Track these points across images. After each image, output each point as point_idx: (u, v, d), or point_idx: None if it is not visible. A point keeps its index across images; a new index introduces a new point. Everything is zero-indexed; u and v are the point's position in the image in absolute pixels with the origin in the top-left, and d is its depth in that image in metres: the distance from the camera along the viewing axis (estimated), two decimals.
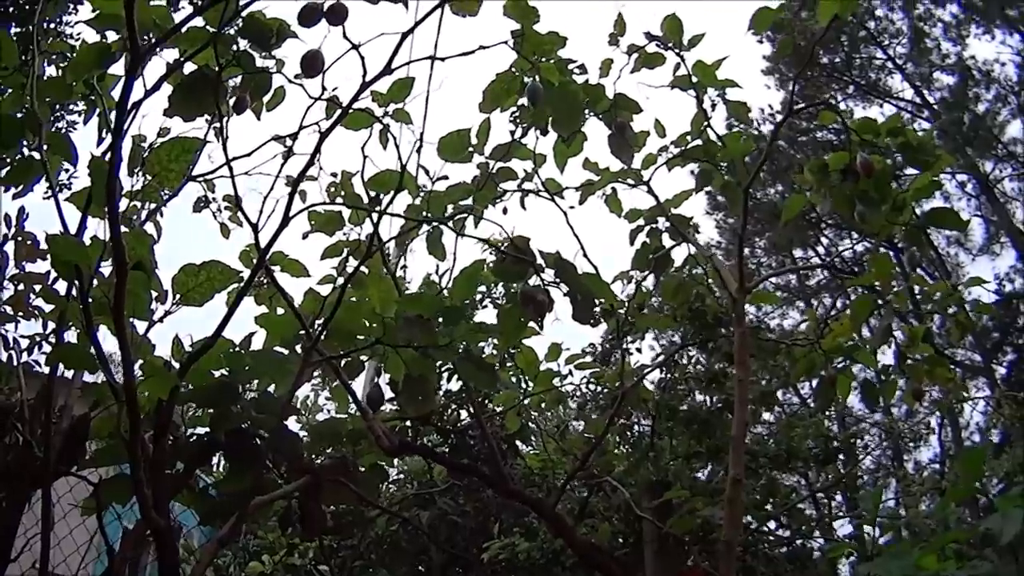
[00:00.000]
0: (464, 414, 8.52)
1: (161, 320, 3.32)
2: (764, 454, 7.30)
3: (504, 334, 3.56)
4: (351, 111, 3.53)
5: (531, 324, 3.60)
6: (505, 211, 4.81)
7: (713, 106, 4.76)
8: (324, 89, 3.59)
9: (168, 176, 3.52)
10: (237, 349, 3.97)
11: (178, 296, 3.29)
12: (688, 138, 4.86)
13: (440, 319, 3.44)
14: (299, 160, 4.03)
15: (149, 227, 4.12)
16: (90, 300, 2.98)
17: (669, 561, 4.09)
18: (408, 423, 4.68)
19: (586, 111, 4.16)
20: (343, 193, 4.81)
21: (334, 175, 4.94)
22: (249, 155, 4.21)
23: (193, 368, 3.75)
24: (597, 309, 3.61)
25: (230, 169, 3.68)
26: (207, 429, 3.88)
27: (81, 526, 4.59)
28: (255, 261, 3.24)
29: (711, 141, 4.75)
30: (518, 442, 5.89)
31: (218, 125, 3.84)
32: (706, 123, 4.77)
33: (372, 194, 3.87)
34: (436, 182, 3.80)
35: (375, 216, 3.79)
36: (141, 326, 3.27)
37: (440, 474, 7.18)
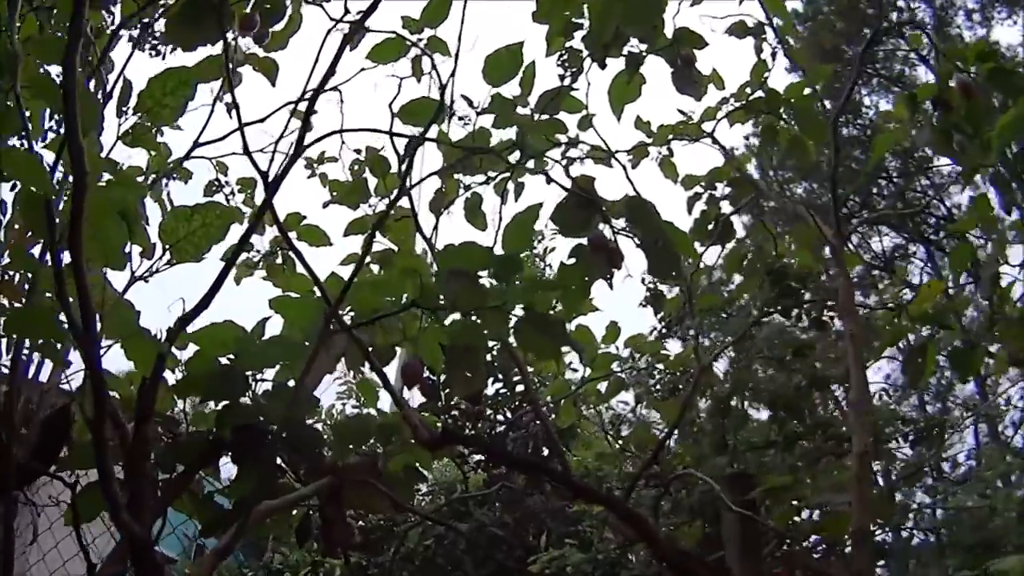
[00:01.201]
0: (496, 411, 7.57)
1: (146, 279, 2.47)
2: (846, 437, 6.23)
3: (568, 295, 2.68)
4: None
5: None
6: (549, 180, 3.97)
7: (773, 54, 3.95)
8: (347, 11, 2.79)
9: (162, 113, 2.68)
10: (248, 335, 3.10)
11: (167, 249, 2.43)
12: (748, 90, 4.02)
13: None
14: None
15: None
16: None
17: (755, 564, 3.19)
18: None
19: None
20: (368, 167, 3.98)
21: (357, 151, 4.12)
22: (263, 120, 3.39)
23: (195, 355, 2.93)
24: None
25: (238, 117, 2.86)
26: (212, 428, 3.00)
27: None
28: (260, 204, 2.38)
29: (774, 92, 3.92)
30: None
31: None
32: (767, 73, 3.94)
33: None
34: (480, 115, 2.93)
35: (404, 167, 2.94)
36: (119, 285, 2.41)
37: (476, 484, 6.27)
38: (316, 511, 3.22)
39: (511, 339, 2.67)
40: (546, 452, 6.26)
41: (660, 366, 4.39)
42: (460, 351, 2.60)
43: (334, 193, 3.79)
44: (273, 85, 4.04)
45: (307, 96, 2.55)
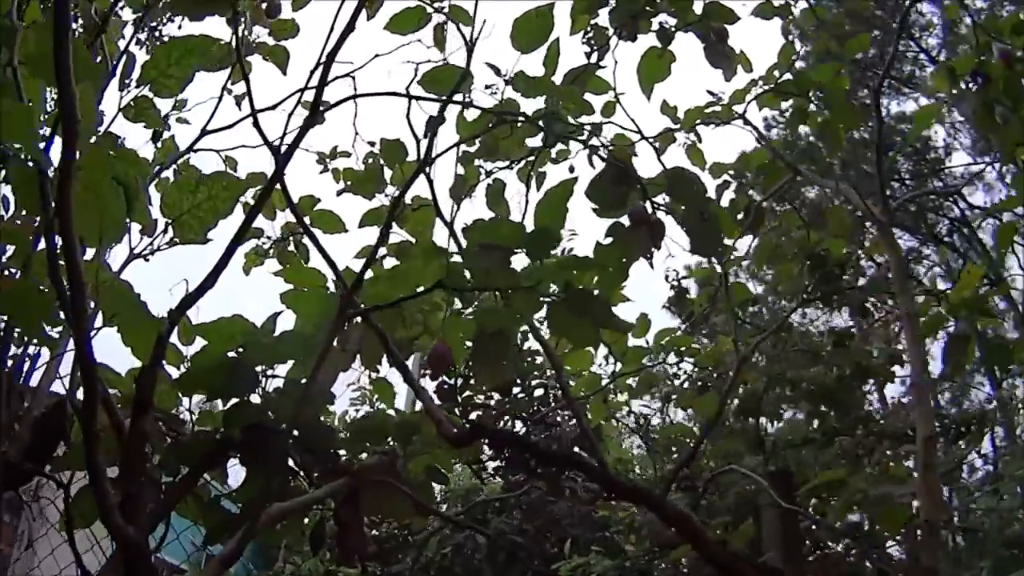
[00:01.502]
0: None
1: (145, 257, 2.21)
2: (887, 433, 5.86)
3: (605, 277, 2.41)
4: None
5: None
6: (572, 169, 3.72)
7: (801, 34, 3.70)
8: None
9: (167, 84, 2.43)
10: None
11: (169, 225, 2.17)
12: (776, 73, 3.76)
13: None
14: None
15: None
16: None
17: (798, 564, 2.91)
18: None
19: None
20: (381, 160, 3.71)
21: (372, 143, 3.86)
22: (275, 107, 3.14)
23: (201, 350, 2.68)
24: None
25: (248, 91, 2.61)
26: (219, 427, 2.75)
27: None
28: (270, 176, 2.12)
29: (804, 75, 3.66)
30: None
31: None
32: (796, 55, 3.69)
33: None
34: (508, 84, 2.68)
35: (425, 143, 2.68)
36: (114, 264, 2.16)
37: (492, 492, 5.95)
38: (330, 516, 2.95)
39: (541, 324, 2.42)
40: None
41: (689, 362, 4.13)
42: (488, 337, 2.33)
43: (348, 182, 3.53)
44: (284, 73, 3.82)
45: (322, 63, 2.29)
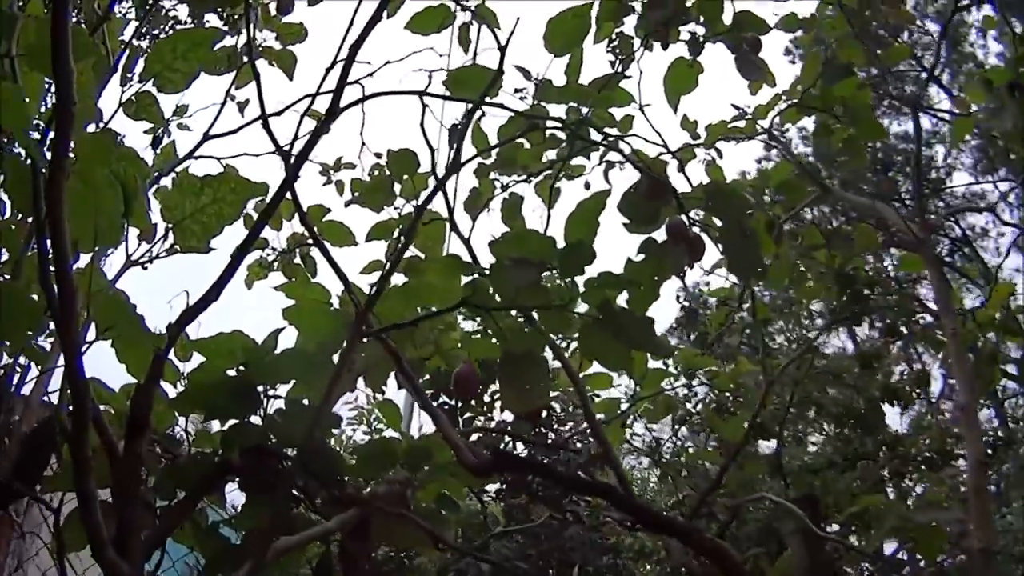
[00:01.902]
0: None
1: (144, 265, 1.99)
2: (917, 456, 5.62)
3: (636, 295, 2.21)
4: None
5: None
6: (587, 185, 3.54)
7: (827, 49, 3.55)
8: None
9: (172, 79, 2.23)
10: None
11: (169, 230, 1.95)
12: (799, 88, 3.60)
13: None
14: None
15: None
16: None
17: None
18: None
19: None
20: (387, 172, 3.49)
21: (378, 155, 3.65)
22: (284, 111, 2.92)
23: (199, 367, 2.47)
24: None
25: (258, 86, 2.40)
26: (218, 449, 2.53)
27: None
28: (280, 184, 1.90)
29: (828, 90, 3.50)
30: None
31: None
32: (820, 71, 3.53)
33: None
34: (538, 86, 2.48)
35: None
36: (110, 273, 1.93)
37: (495, 513, 5.66)
38: (336, 544, 2.71)
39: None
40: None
41: (706, 384, 3.92)
42: (518, 359, 2.11)
43: (355, 193, 3.32)
44: (290, 79, 3.62)
45: (342, 60, 2.09)
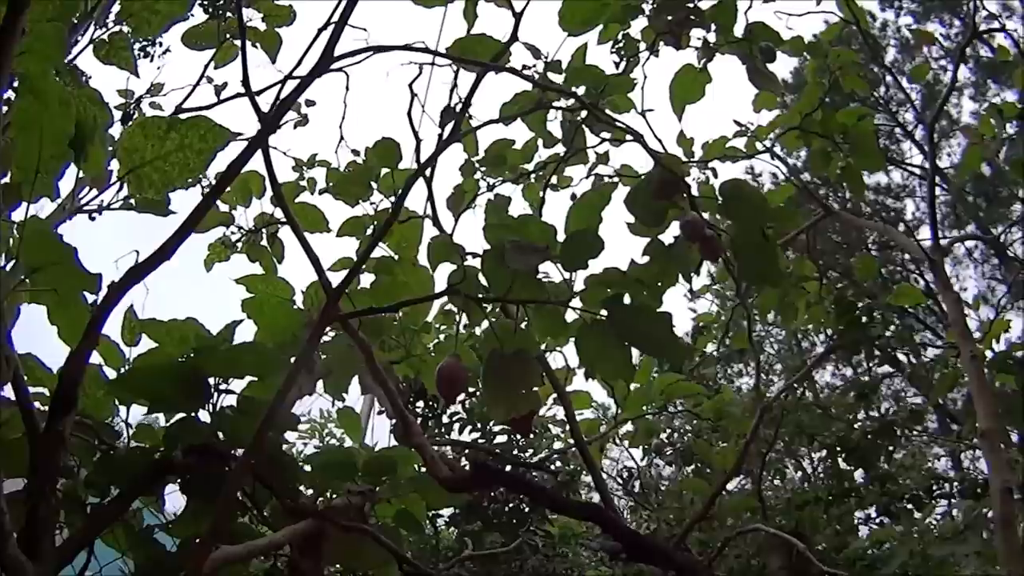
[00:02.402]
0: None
1: (91, 215, 1.70)
2: (904, 495, 5.37)
3: (639, 297, 1.97)
4: None
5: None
6: (574, 197, 3.31)
7: (832, 77, 3.43)
8: None
9: (150, 20, 1.96)
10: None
11: (126, 176, 1.67)
12: (799, 114, 3.46)
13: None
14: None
15: None
16: None
17: None
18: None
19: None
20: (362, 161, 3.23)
21: (355, 152, 3.40)
22: (262, 92, 2.66)
23: (147, 353, 2.19)
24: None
25: (243, 51, 2.16)
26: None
27: None
28: (252, 139, 1.63)
29: (830, 116, 3.37)
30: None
31: None
32: (823, 96, 3.40)
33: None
34: (548, 65, 2.26)
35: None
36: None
37: (448, 542, 5.31)
38: (282, 562, 2.40)
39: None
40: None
41: (689, 411, 3.70)
42: (506, 360, 1.85)
43: (330, 183, 3.05)
44: (273, 61, 3.36)
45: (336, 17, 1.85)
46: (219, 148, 1.76)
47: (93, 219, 1.84)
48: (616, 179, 2.38)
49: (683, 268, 2.10)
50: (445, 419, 6.76)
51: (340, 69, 2.86)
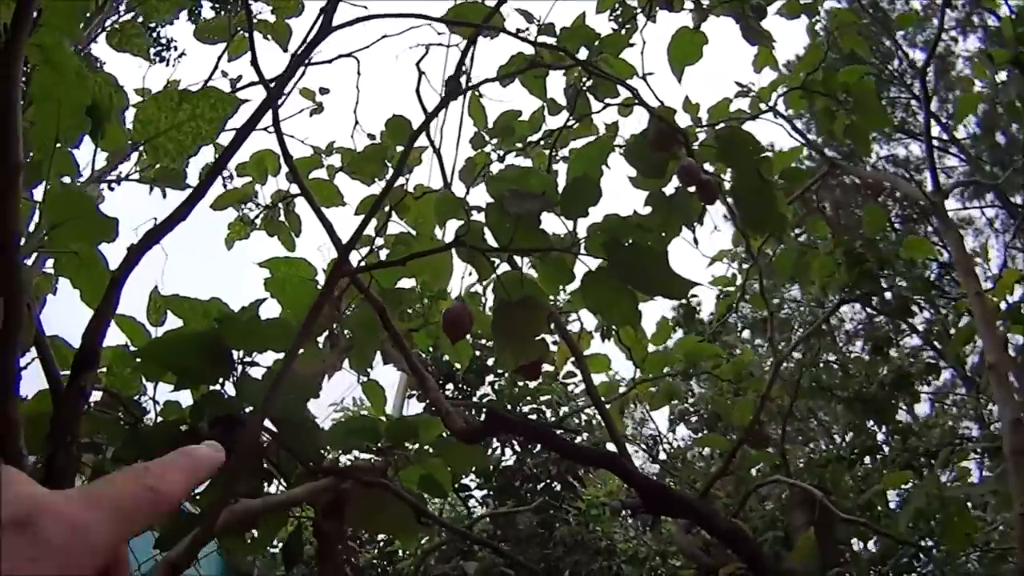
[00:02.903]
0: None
1: (111, 185, 1.77)
2: (927, 451, 5.26)
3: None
4: None
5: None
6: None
7: (829, 34, 3.40)
8: None
9: (158, 7, 2.02)
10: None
11: (140, 146, 1.73)
12: (802, 74, 3.44)
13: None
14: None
15: None
16: None
17: None
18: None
19: None
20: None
21: (371, 136, 3.44)
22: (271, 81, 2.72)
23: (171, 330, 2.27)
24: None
25: (249, 26, 2.22)
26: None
27: None
28: (260, 104, 1.68)
29: (832, 74, 3.34)
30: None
31: None
32: (824, 54, 3.37)
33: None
34: (541, 29, 2.28)
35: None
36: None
37: (484, 524, 5.33)
38: (308, 525, 2.44)
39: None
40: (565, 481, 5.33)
41: (710, 374, 3.67)
42: (513, 307, 1.88)
43: (346, 163, 3.09)
44: (285, 51, 3.42)
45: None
46: (229, 116, 1.81)
47: (112, 189, 1.91)
48: (615, 133, 2.37)
49: (685, 217, 2.11)
50: (475, 400, 6.80)
51: (351, 55, 2.94)
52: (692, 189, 2.02)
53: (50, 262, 2.21)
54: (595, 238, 1.88)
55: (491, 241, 1.92)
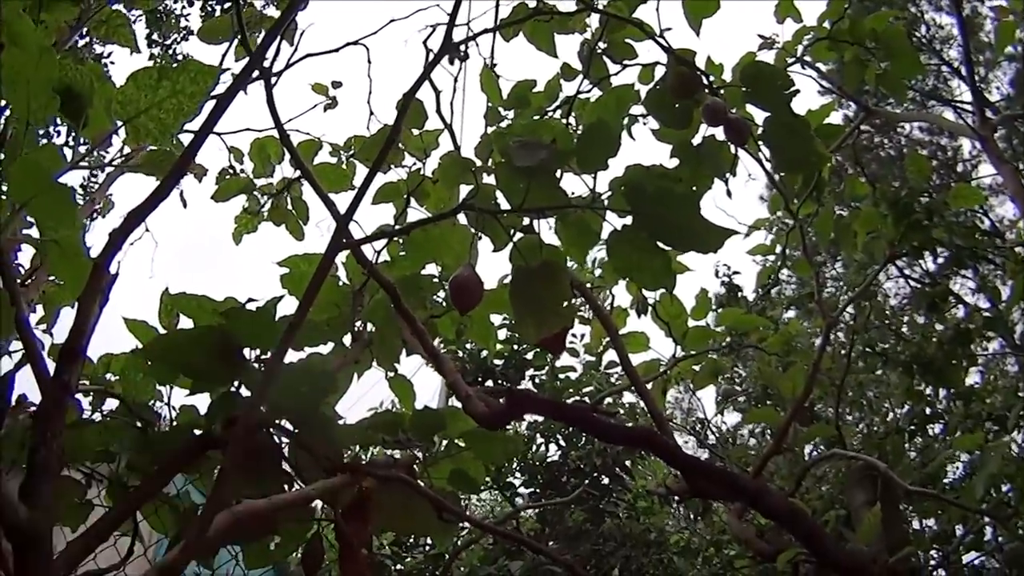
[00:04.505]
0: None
1: (92, 171, 1.62)
2: (992, 414, 4.89)
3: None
4: None
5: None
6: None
7: None
8: None
9: None
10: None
11: (122, 127, 1.59)
12: (826, 25, 3.21)
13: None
14: None
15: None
16: None
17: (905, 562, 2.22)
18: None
19: None
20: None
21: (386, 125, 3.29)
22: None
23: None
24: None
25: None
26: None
27: None
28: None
29: (858, 22, 3.10)
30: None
31: None
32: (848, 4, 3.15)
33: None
34: None
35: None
36: None
37: (529, 520, 5.13)
38: (328, 528, 2.27)
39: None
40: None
41: (751, 348, 3.45)
42: (532, 274, 1.70)
43: (355, 150, 2.95)
44: (291, 45, 3.28)
45: None
46: (211, 88, 1.67)
47: (95, 175, 1.78)
48: (633, 83, 2.18)
49: (716, 168, 1.91)
50: None
51: (358, 42, 2.80)
52: (721, 134, 1.83)
53: None
54: (618, 192, 1.69)
55: (504, 205, 1.75)
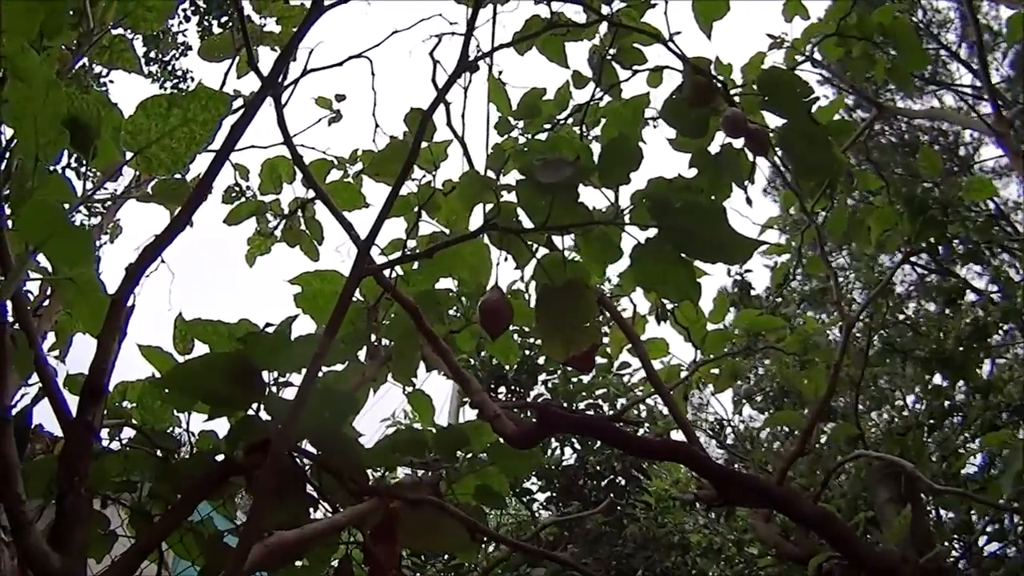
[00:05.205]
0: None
1: (103, 204, 1.60)
2: (1010, 405, 4.83)
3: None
4: None
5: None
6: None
7: None
8: None
9: (147, 16, 1.85)
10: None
11: (133, 156, 1.55)
12: (832, 22, 3.17)
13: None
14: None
15: None
16: None
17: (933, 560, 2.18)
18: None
19: None
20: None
21: (393, 137, 3.26)
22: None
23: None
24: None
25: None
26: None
27: None
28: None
29: (865, 17, 3.06)
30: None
31: None
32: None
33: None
34: None
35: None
36: None
37: (549, 530, 5.08)
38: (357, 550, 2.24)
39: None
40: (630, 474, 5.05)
41: (770, 349, 3.41)
42: (558, 293, 1.66)
43: (364, 163, 2.90)
44: (293, 60, 3.25)
45: None
46: (223, 116, 1.63)
47: (105, 208, 1.75)
48: (647, 92, 2.14)
49: (735, 176, 1.87)
50: (529, 401, 6.59)
51: (362, 55, 2.76)
52: (739, 143, 1.79)
53: None
54: (640, 206, 1.65)
55: (526, 223, 1.71)
